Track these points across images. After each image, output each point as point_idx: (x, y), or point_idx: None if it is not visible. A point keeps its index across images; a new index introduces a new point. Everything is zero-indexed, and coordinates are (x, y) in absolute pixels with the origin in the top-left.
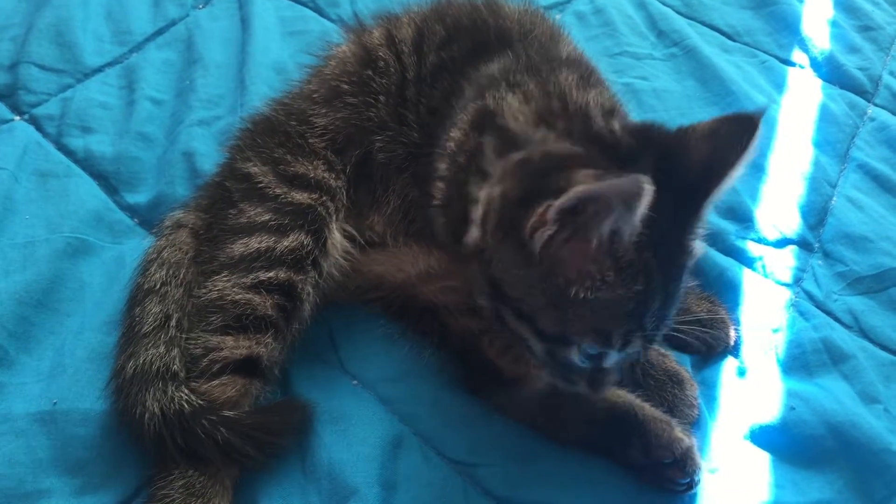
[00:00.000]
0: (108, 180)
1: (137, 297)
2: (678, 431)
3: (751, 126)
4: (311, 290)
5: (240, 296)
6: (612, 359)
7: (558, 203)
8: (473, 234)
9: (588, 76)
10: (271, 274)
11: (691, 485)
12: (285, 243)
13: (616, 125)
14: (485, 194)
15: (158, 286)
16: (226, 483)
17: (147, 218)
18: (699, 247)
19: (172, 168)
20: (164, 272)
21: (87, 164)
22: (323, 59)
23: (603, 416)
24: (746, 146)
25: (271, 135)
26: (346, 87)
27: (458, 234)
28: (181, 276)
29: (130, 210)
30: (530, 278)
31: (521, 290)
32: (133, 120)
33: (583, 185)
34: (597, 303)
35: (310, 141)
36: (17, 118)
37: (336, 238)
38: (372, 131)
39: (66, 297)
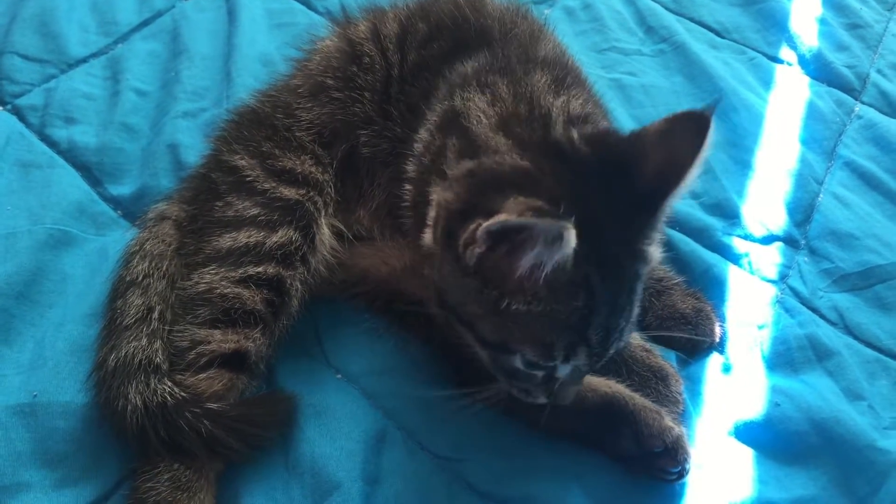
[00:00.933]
0: (91, 171)
1: (119, 289)
2: (668, 420)
3: (703, 124)
4: (299, 286)
5: (228, 289)
6: (562, 370)
7: (485, 225)
8: (427, 236)
9: (563, 77)
10: (260, 269)
11: (682, 473)
12: (274, 239)
13: (575, 134)
14: (436, 198)
15: (141, 278)
16: (210, 477)
17: (130, 210)
18: (656, 252)
19: (157, 160)
20: (146, 264)
21: (71, 155)
22: (307, 53)
23: (593, 407)
24: (700, 146)
25: (258, 127)
26: (331, 82)
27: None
28: (164, 268)
29: (114, 202)
30: (466, 288)
31: (458, 298)
32: (117, 111)
33: (506, 214)
34: (532, 316)
35: (296, 134)
36: (0, 108)
37: (324, 233)
38: (357, 126)
39: (48, 289)
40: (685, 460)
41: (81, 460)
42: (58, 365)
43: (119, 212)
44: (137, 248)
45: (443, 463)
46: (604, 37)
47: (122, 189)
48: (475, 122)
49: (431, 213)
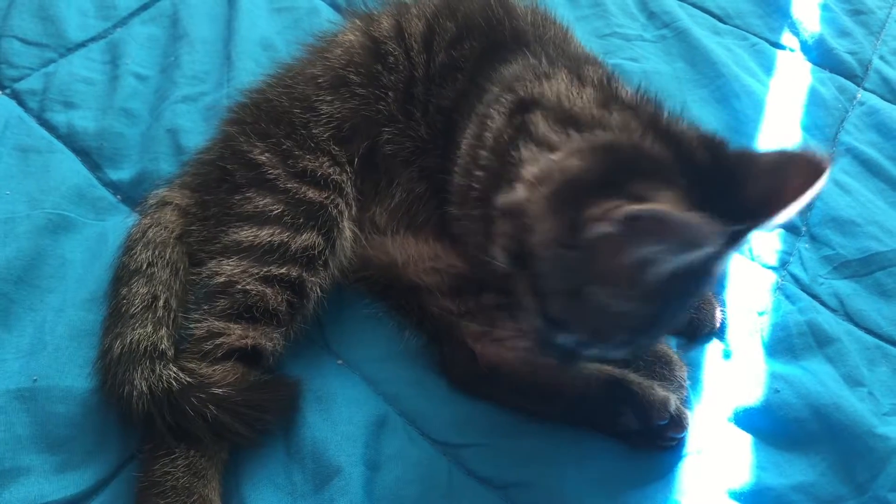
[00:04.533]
0: (90, 156)
1: (123, 277)
2: (661, 390)
3: (819, 171)
4: (318, 291)
5: (251, 286)
6: (594, 351)
7: (633, 209)
8: (519, 193)
9: (612, 73)
10: (283, 270)
11: (683, 437)
12: (299, 241)
13: (692, 131)
14: (554, 158)
15: (145, 267)
16: (218, 467)
17: (130, 195)
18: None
19: (156, 144)
20: (149, 252)
21: (70, 139)
22: (326, 43)
23: (590, 393)
24: (809, 189)
25: (277, 123)
26: (354, 77)
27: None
28: (167, 256)
29: (113, 186)
30: (560, 260)
31: (546, 266)
32: (117, 96)
33: (667, 206)
34: (608, 310)
35: (313, 132)
36: None
37: (346, 237)
38: (380, 123)
39: (47, 274)
40: (688, 424)
41: (82, 445)
42: (58, 349)
43: (118, 196)
44: (140, 235)
45: (443, 448)
46: (605, 22)
47: (122, 174)
48: (567, 101)
49: (531, 171)
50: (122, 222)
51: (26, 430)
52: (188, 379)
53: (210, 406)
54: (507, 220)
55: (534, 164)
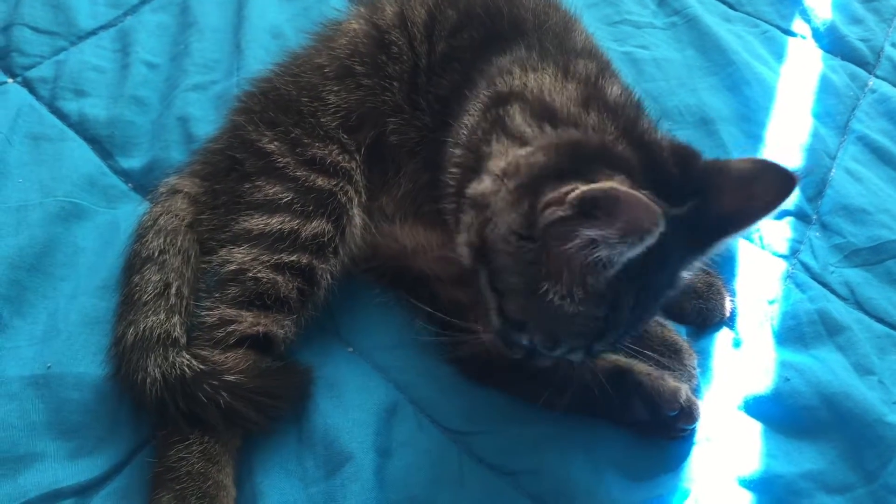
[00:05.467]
0: (101, 144)
1: (136, 264)
2: (672, 381)
3: (789, 185)
4: (329, 278)
5: (262, 274)
6: (554, 353)
7: (586, 188)
8: (485, 184)
9: (605, 68)
10: (294, 257)
11: (694, 427)
12: (309, 228)
13: (665, 141)
14: (522, 153)
15: (157, 254)
16: (232, 453)
17: (141, 183)
18: (686, 278)
19: (167, 133)
20: (161, 240)
21: (81, 127)
22: (331, 31)
23: (597, 384)
24: (779, 203)
25: (285, 111)
26: (359, 68)
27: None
28: (178, 243)
29: (124, 174)
30: (519, 254)
31: (503, 261)
32: (127, 84)
33: (616, 183)
34: (560, 312)
35: (322, 121)
36: (10, 81)
37: (356, 224)
38: (386, 114)
39: (60, 262)
40: (698, 414)
41: (95, 431)
42: (71, 336)
43: (130, 185)
44: (151, 223)
45: (453, 436)
46: (616, 9)
47: (133, 162)
48: (549, 95)
49: (499, 164)
50: (133, 210)
51: (40, 416)
52: (201, 366)
53: (223, 393)
54: (473, 210)
55: (502, 157)
